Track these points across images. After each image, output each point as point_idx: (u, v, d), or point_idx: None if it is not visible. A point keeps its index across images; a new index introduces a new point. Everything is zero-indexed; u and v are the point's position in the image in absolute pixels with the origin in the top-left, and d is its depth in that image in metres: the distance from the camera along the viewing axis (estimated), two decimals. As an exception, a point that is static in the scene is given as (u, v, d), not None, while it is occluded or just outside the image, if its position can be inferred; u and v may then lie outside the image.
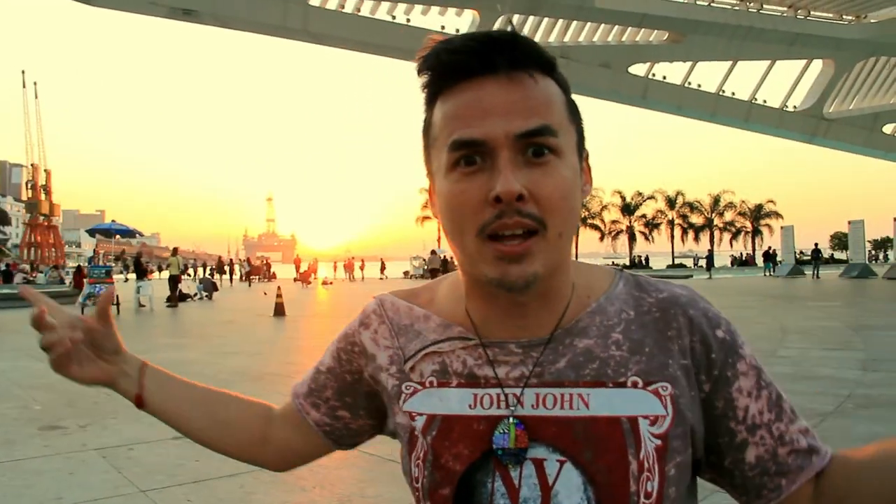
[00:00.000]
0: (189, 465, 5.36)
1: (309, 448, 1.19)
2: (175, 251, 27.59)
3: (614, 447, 0.90)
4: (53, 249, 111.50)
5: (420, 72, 0.95)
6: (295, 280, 47.33)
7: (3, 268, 40.42)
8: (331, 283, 46.54)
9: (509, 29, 0.92)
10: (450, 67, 0.92)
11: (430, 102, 0.97)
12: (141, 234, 30.63)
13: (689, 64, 34.46)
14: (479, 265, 0.91)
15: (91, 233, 28.44)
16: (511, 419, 0.93)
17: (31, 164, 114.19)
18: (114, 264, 32.81)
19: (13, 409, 7.58)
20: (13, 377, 9.61)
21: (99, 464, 5.44)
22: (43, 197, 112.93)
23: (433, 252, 48.28)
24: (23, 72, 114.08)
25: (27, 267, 42.36)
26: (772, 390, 0.98)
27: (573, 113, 0.96)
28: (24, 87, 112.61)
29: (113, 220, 29.86)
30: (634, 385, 0.93)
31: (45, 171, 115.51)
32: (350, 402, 1.13)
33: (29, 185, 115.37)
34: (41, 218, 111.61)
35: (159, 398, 1.19)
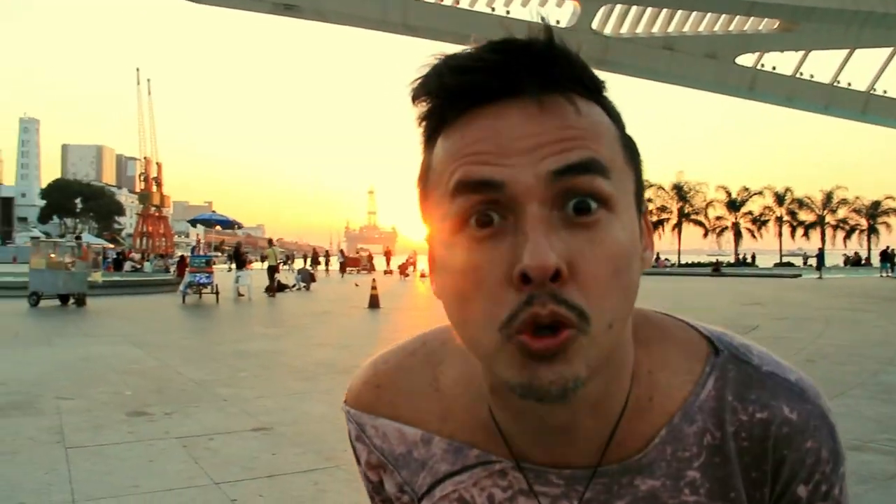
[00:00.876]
0: (264, 459, 5.27)
1: None
2: (270, 242, 28.19)
3: None
4: (163, 239, 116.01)
5: (415, 100, 0.67)
6: (385, 273, 47.69)
7: (115, 256, 42.33)
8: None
9: (542, 33, 0.63)
10: (456, 92, 0.64)
11: (430, 141, 0.69)
12: (240, 225, 31.47)
13: (800, 53, 32.88)
14: (496, 364, 0.63)
15: (193, 223, 29.39)
16: None
17: (144, 158, 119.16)
18: (217, 254, 33.79)
19: (105, 393, 7.71)
20: (111, 362, 9.85)
21: (178, 453, 5.42)
22: (154, 189, 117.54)
23: None
24: (137, 69, 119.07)
25: (137, 256, 44.22)
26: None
27: (630, 150, 0.68)
28: (138, 83, 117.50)
29: (213, 211, 30.75)
30: None
31: (157, 164, 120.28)
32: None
33: (142, 178, 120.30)
34: (153, 209, 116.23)
35: None
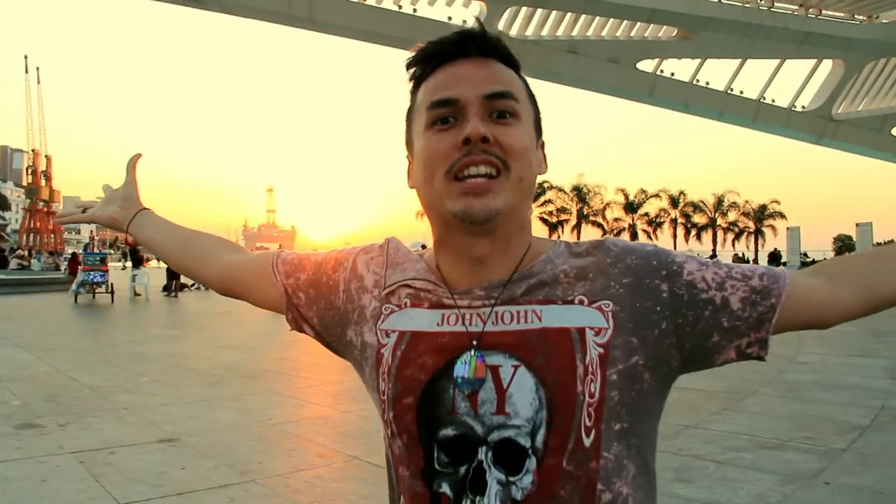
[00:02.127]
0: (174, 474, 4.90)
1: (258, 292, 1.32)
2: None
3: (564, 352, 1.01)
4: (53, 235, 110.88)
5: (408, 67, 1.12)
6: None
7: (-1, 253, 39.91)
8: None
9: (478, 27, 1.10)
10: (432, 55, 1.09)
11: (415, 89, 1.12)
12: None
13: (697, 61, 33.94)
14: (444, 202, 1.03)
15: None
16: (473, 352, 1.02)
17: (32, 150, 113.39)
18: (110, 251, 32.29)
19: (-10, 403, 7.12)
20: (-5, 368, 9.15)
21: (75, 470, 4.97)
22: (43, 183, 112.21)
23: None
24: (25, 57, 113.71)
25: (24, 252, 41.81)
26: (711, 260, 1.12)
27: (532, 98, 1.13)
28: (26, 72, 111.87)
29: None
30: (581, 303, 1.04)
31: (46, 156, 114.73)
32: (312, 295, 1.24)
33: (29, 171, 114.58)
34: (41, 204, 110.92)
35: (139, 228, 1.49)
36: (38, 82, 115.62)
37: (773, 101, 36.08)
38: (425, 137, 1.05)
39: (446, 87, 1.05)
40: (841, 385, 8.14)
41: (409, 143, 1.13)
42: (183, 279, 27.08)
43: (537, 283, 1.06)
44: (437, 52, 1.08)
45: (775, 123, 36.72)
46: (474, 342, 1.03)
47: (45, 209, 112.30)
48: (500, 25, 29.15)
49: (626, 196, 73.43)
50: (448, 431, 1.03)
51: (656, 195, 73.76)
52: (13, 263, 37.38)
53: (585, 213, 73.57)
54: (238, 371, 9.15)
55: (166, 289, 24.69)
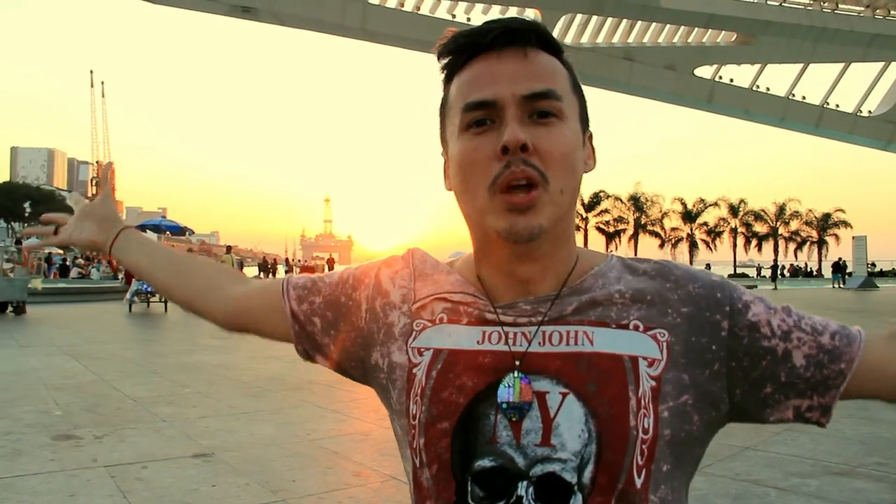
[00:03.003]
0: (203, 491, 4.73)
1: (269, 325, 1.19)
2: (229, 249, 27.45)
3: (617, 381, 0.92)
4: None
5: (439, 57, 1.01)
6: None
7: (61, 262, 40.91)
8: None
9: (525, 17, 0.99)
10: (464, 46, 0.98)
11: (447, 82, 1.02)
12: (192, 231, 30.48)
13: (757, 66, 33.14)
14: (488, 218, 0.94)
15: (142, 228, 28.34)
16: (516, 373, 0.94)
17: (97, 162, 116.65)
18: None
19: (31, 412, 7.08)
20: (43, 376, 9.20)
21: (105, 485, 4.83)
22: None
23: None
24: (91, 71, 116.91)
25: (83, 262, 42.77)
26: (780, 305, 1.00)
27: (577, 89, 1.01)
28: (91, 86, 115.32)
29: (163, 217, 29.82)
30: (636, 328, 0.96)
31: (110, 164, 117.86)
32: (330, 318, 1.13)
33: (94, 182, 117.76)
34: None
35: (124, 251, 1.32)
36: (103, 96, 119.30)
37: (838, 105, 35.04)
38: (461, 142, 0.97)
39: (481, 85, 0.95)
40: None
41: (444, 141, 1.04)
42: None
43: (589, 300, 0.98)
44: (470, 43, 0.97)
45: (840, 129, 35.66)
46: (517, 362, 0.95)
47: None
48: (556, 33, 28.62)
49: (684, 205, 72.30)
50: (485, 462, 0.93)
51: (715, 204, 72.47)
52: (73, 272, 38.30)
53: (643, 222, 72.66)
54: (282, 383, 9.00)
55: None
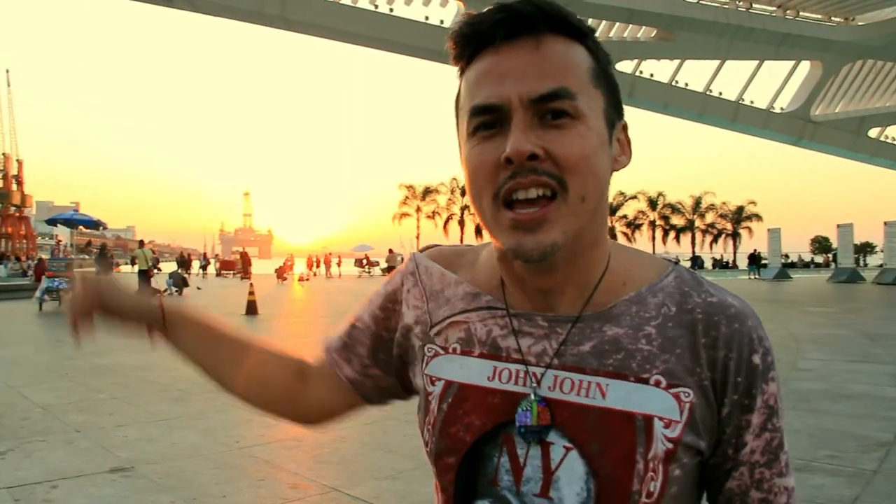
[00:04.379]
0: (122, 511, 4.31)
1: (342, 404, 1.15)
2: (141, 243, 26.40)
3: (624, 443, 0.87)
4: (25, 241, 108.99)
5: (449, 49, 0.94)
6: (218, 273, 47.04)
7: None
8: (307, 279, 45.21)
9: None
10: (470, 39, 0.91)
11: (461, 74, 0.94)
12: (105, 226, 29.18)
13: (676, 62, 33.81)
14: (496, 233, 0.90)
15: (51, 223, 27.05)
16: (533, 396, 0.91)
17: (3, 154, 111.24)
18: (82, 256, 31.37)
19: (-73, 426, 6.45)
20: (-59, 384, 8.47)
21: (9, 507, 4.36)
22: (14, 187, 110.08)
23: (391, 251, 48.38)
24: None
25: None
26: (776, 436, 0.93)
27: (601, 79, 0.91)
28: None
29: (75, 210, 28.54)
30: (657, 384, 0.89)
31: (18, 160, 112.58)
32: (383, 360, 1.10)
33: (0, 175, 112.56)
34: (12, 209, 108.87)
35: (186, 349, 1.16)
36: (9, 85, 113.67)
37: (752, 102, 36.15)
38: (469, 146, 0.90)
39: (487, 86, 0.87)
40: (850, 394, 7.67)
41: (459, 139, 0.96)
42: (154, 284, 26.32)
43: (612, 342, 0.91)
44: (476, 34, 0.89)
45: (754, 125, 36.78)
46: (534, 386, 0.91)
47: (17, 214, 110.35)
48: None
49: (605, 198, 73.42)
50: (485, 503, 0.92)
51: (634, 197, 73.82)
52: (-22, 269, 36.34)
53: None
54: (204, 385, 8.39)
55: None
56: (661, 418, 0.87)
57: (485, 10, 0.89)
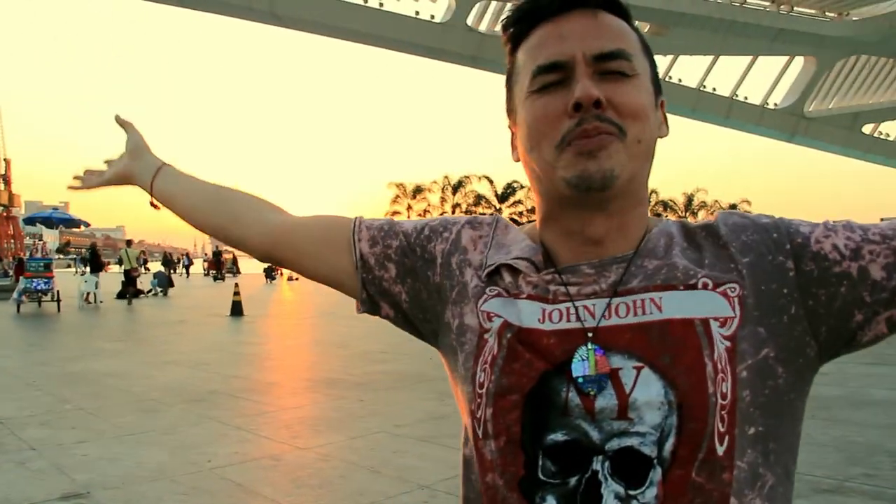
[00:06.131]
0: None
1: (314, 259, 1.15)
2: (129, 243, 25.88)
3: (691, 348, 0.87)
4: (13, 241, 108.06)
5: (504, 29, 0.99)
6: (206, 272, 47.19)
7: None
8: (296, 279, 44.65)
9: None
10: (528, 13, 0.96)
11: (513, 52, 0.99)
12: (87, 224, 28.55)
13: (670, 57, 33.52)
14: (556, 172, 0.91)
15: (30, 221, 26.45)
16: (589, 345, 0.89)
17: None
18: (58, 256, 30.74)
19: None
20: None
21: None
22: (2, 187, 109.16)
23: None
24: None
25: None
26: (841, 223, 0.93)
27: (647, 51, 0.98)
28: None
29: (54, 208, 27.91)
30: (705, 286, 0.90)
31: (5, 160, 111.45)
32: (407, 265, 1.08)
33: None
34: (0, 209, 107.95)
35: (161, 189, 1.29)
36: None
37: (746, 98, 35.98)
38: (529, 102, 0.94)
39: (550, 46, 0.92)
40: (871, 401, 7.23)
41: (511, 111, 1.02)
42: (140, 284, 25.75)
43: (654, 262, 0.93)
44: (535, 8, 0.96)
45: (748, 121, 36.63)
46: (589, 335, 0.90)
47: (5, 214, 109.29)
48: (470, 20, 28.38)
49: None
50: (558, 436, 0.89)
51: (626, 195, 73.73)
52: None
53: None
54: (180, 394, 7.97)
55: (121, 295, 23.34)
56: (715, 318, 0.88)
57: None
